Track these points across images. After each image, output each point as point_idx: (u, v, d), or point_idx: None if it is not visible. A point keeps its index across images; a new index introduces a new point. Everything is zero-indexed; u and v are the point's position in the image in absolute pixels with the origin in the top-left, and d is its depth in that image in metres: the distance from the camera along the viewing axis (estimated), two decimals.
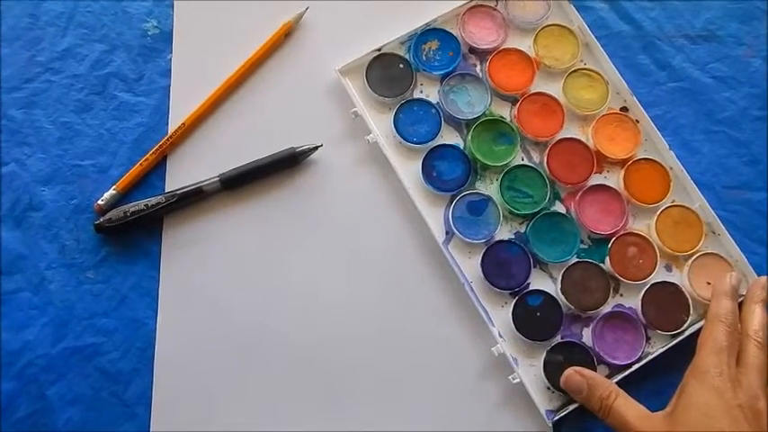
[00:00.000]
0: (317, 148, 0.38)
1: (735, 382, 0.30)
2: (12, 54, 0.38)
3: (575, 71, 0.39)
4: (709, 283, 0.36)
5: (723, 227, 0.37)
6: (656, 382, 0.34)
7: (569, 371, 0.33)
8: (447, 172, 0.38)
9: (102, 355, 0.34)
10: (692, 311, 0.35)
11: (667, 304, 0.35)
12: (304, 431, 0.34)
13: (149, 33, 0.39)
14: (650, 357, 0.35)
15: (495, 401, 0.35)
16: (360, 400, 0.35)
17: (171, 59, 0.39)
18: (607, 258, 0.36)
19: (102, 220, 0.36)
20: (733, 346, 0.32)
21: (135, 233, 0.36)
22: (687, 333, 0.35)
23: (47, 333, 0.35)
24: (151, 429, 0.34)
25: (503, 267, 0.36)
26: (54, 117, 0.38)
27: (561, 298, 0.36)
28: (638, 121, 0.39)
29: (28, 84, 0.38)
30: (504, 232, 0.37)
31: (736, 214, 0.38)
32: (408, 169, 0.37)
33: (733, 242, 0.37)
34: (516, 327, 0.35)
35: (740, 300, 0.34)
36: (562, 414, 0.34)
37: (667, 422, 0.30)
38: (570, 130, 0.39)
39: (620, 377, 0.34)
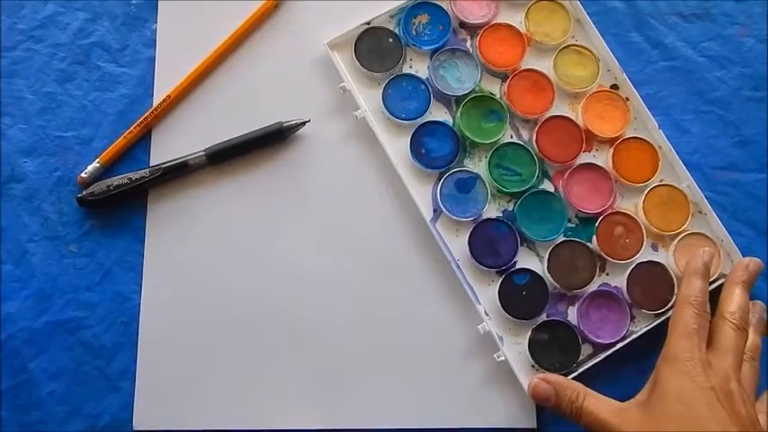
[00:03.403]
0: (304, 123, 0.33)
1: (705, 365, 0.27)
2: None
3: (566, 47, 0.34)
4: None
5: (710, 207, 0.33)
6: (640, 361, 0.31)
7: (534, 380, 0.30)
8: (436, 149, 0.33)
9: (85, 329, 0.31)
10: (676, 291, 0.31)
11: (653, 284, 0.32)
12: (289, 407, 0.30)
13: (133, 2, 0.34)
14: (634, 336, 0.31)
15: (481, 379, 0.31)
16: (344, 376, 0.31)
17: (156, 29, 0.34)
18: (594, 237, 0.32)
19: (84, 193, 0.32)
20: (703, 328, 0.28)
21: (119, 207, 0.32)
22: (671, 312, 0.32)
23: (29, 306, 0.31)
24: (134, 403, 0.30)
25: (490, 245, 0.32)
26: (36, 87, 0.33)
27: (547, 277, 0.32)
28: (628, 100, 0.34)
29: (9, 52, 0.33)
30: (491, 210, 0.33)
31: (724, 195, 0.34)
32: (396, 146, 0.33)
33: (719, 222, 0.33)
34: (502, 305, 0.31)
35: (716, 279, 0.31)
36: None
37: (643, 413, 0.27)
38: (560, 108, 0.34)
39: (604, 355, 0.31)
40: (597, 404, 0.28)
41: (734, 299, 0.30)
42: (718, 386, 0.27)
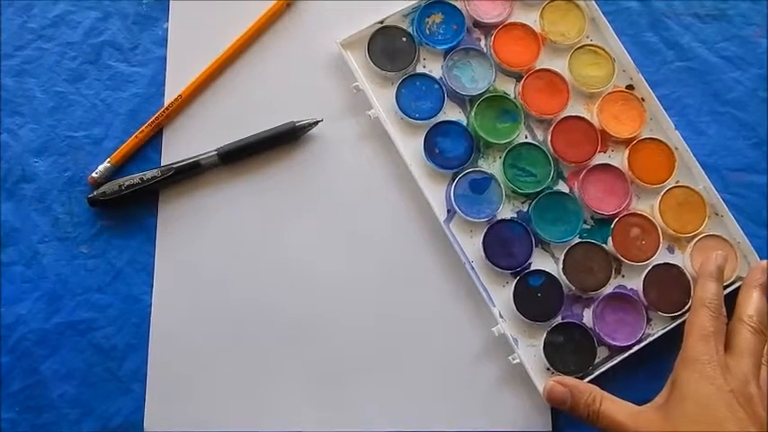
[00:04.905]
0: (317, 122, 0.31)
1: (724, 367, 0.26)
2: (3, 21, 0.31)
3: (581, 47, 0.32)
4: None
5: (727, 209, 0.31)
6: (657, 364, 0.29)
7: (549, 383, 0.28)
8: (449, 149, 0.31)
9: (96, 330, 0.29)
10: (693, 293, 0.30)
11: (669, 286, 0.30)
12: (301, 409, 0.29)
13: (145, 1, 0.32)
14: (650, 339, 0.29)
15: (495, 381, 0.29)
16: (358, 377, 0.29)
17: (167, 28, 0.32)
18: (610, 239, 0.30)
19: (95, 193, 0.30)
20: (719, 331, 0.27)
21: (130, 207, 0.30)
22: (687, 315, 0.30)
23: (40, 307, 0.29)
24: (146, 405, 0.29)
25: (504, 247, 0.30)
26: (47, 86, 0.31)
27: (563, 278, 0.30)
28: (643, 100, 0.32)
29: (20, 51, 0.31)
30: (506, 211, 0.31)
31: (740, 197, 0.32)
32: (410, 146, 0.31)
33: (736, 224, 0.31)
34: (517, 307, 0.29)
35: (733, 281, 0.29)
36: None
37: (661, 416, 0.26)
38: (575, 108, 0.32)
39: (619, 359, 0.29)
40: (614, 407, 0.27)
41: (751, 302, 0.28)
42: (737, 389, 0.25)
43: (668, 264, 0.30)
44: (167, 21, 0.32)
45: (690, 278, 0.30)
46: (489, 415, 0.29)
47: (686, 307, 0.30)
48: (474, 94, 0.32)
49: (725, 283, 0.31)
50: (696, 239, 0.31)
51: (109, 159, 0.31)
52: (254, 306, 0.30)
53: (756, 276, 0.29)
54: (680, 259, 0.31)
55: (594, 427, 0.27)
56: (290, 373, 0.29)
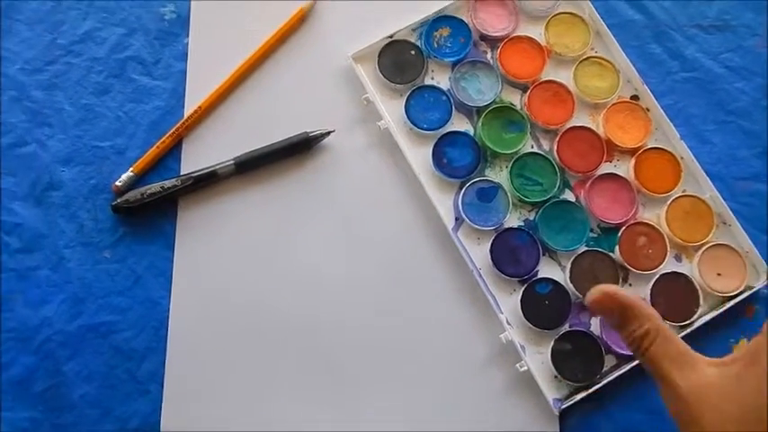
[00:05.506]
0: (329, 133, 0.32)
1: None
2: (34, 36, 0.33)
3: (585, 59, 0.33)
4: (719, 275, 0.30)
5: (734, 218, 0.31)
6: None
7: (597, 290, 0.22)
8: (457, 159, 0.31)
9: (116, 332, 0.29)
10: (701, 303, 0.29)
11: (677, 295, 0.29)
12: (313, 411, 0.29)
13: (167, 18, 0.33)
14: None
15: (502, 389, 0.29)
16: (367, 383, 0.29)
17: (188, 44, 0.33)
18: (617, 248, 0.30)
19: (119, 201, 0.30)
20: None
21: (150, 214, 0.31)
22: (696, 325, 0.29)
23: (64, 310, 0.30)
24: (163, 406, 0.29)
25: (512, 254, 0.30)
26: (74, 99, 0.32)
27: (570, 286, 0.30)
28: (648, 110, 0.32)
29: (49, 66, 0.32)
30: (513, 219, 0.31)
31: (746, 205, 0.31)
32: (419, 155, 0.31)
33: (744, 233, 0.30)
34: (524, 314, 0.29)
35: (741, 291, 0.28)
36: (569, 403, 0.28)
37: (736, 389, 0.19)
38: (580, 119, 0.32)
39: (627, 367, 0.29)
40: (667, 357, 0.20)
41: None
42: None
43: (676, 273, 0.30)
44: (188, 36, 0.33)
45: (698, 287, 0.30)
46: (496, 422, 0.29)
47: (695, 316, 0.30)
48: (481, 105, 0.32)
49: (731, 294, 0.30)
50: (704, 248, 0.30)
51: (132, 168, 0.31)
52: (267, 309, 0.30)
53: None
54: (687, 268, 0.31)
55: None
56: (303, 376, 0.29)
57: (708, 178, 0.31)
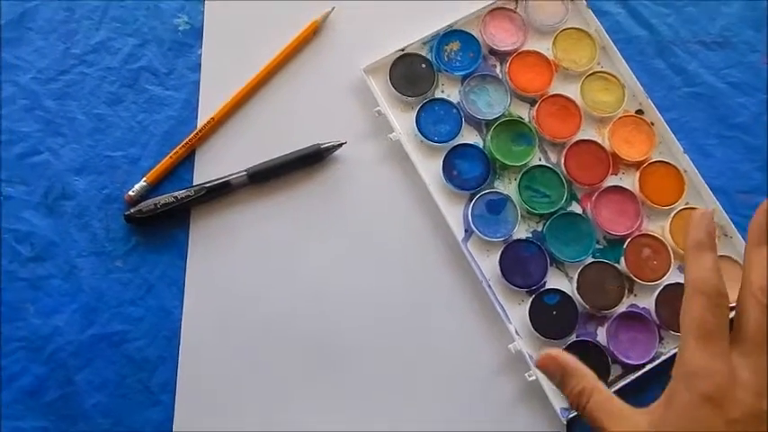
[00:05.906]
0: (341, 144, 0.32)
1: (731, 379, 0.20)
2: (48, 46, 0.33)
3: (592, 74, 0.33)
4: None
5: (736, 230, 0.31)
6: (668, 383, 0.29)
7: (543, 353, 0.24)
8: (467, 171, 0.32)
9: (129, 342, 0.29)
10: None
11: (681, 305, 0.31)
12: (326, 422, 0.29)
13: (180, 29, 0.34)
14: (663, 357, 0.29)
15: (511, 398, 0.30)
16: (378, 393, 0.30)
17: (201, 55, 0.33)
18: (622, 259, 0.31)
19: (132, 211, 0.31)
20: (723, 325, 0.21)
21: (163, 224, 0.31)
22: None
23: (76, 319, 0.30)
24: (175, 416, 0.29)
25: (520, 266, 0.30)
26: (87, 108, 0.32)
27: (577, 297, 0.30)
28: (653, 124, 0.33)
29: (63, 75, 0.32)
30: (521, 231, 0.31)
31: (748, 218, 0.31)
32: (429, 167, 0.32)
33: (745, 245, 0.32)
34: (533, 325, 0.30)
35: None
36: (577, 412, 0.28)
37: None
38: (587, 132, 0.33)
39: (633, 377, 0.29)
40: (603, 410, 0.22)
41: (763, 267, 0.21)
42: (747, 410, 0.20)
43: (680, 283, 0.30)
44: (201, 47, 0.33)
45: None
46: (505, 431, 0.29)
47: None
48: (490, 118, 0.33)
49: (732, 304, 0.28)
50: None
51: (145, 178, 0.31)
52: (279, 320, 0.30)
53: (762, 222, 0.21)
54: None
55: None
56: (315, 386, 0.30)
57: (710, 191, 0.32)
